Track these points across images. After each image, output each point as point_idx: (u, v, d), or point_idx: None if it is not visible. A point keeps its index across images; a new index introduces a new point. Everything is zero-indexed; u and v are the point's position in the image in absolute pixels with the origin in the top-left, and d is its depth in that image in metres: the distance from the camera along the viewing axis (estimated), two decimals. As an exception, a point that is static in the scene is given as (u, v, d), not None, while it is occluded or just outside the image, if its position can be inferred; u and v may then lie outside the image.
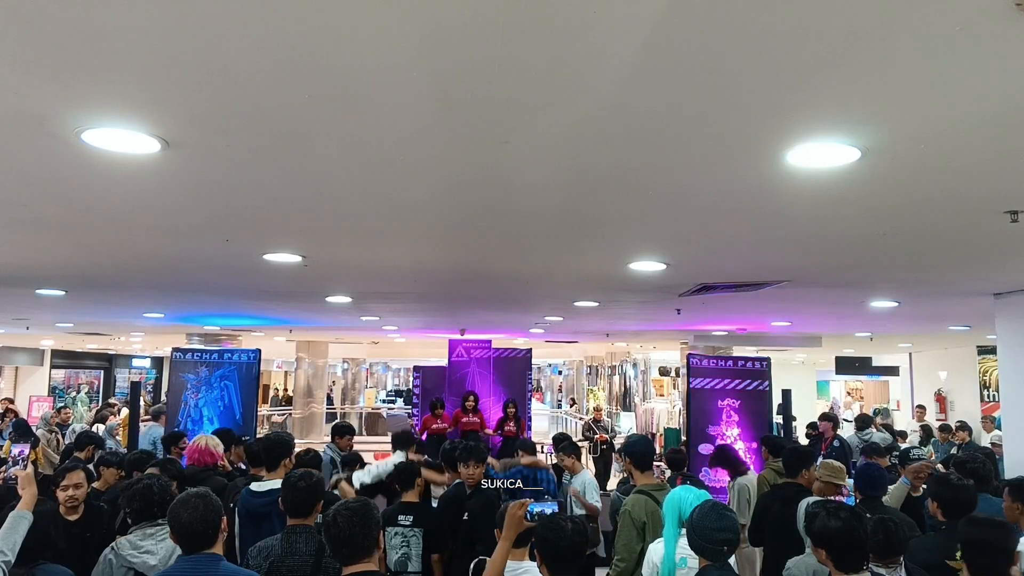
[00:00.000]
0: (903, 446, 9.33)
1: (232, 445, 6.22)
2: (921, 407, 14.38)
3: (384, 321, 11.79)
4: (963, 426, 11.19)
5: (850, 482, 6.77)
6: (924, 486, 5.12)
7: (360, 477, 5.34)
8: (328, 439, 7.64)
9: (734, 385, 10.14)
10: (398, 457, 5.68)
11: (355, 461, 6.00)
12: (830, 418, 10.16)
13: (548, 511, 3.12)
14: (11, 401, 15.19)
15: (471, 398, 10.54)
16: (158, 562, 3.22)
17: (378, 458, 6.85)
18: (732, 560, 3.13)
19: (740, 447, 8.99)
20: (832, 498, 4.22)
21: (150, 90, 2.27)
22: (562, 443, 6.48)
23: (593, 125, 2.55)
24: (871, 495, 4.41)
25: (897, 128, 2.52)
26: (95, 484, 5.18)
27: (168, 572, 2.91)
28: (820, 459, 5.35)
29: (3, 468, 8.09)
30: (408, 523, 4.41)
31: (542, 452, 9.32)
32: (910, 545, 3.35)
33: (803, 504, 4.04)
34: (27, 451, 8.42)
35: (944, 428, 11.76)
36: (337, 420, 12.28)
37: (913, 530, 3.74)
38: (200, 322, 12.04)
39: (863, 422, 10.66)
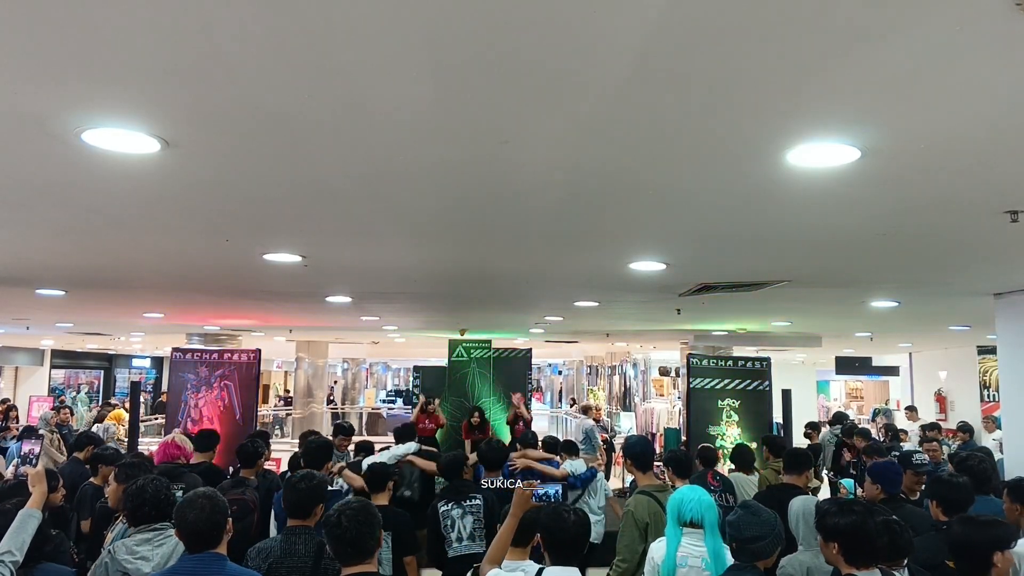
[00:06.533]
0: (905, 447, 9.33)
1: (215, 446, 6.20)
2: (912, 408, 14.37)
3: (384, 321, 11.79)
4: (964, 427, 11.13)
5: (847, 483, 6.76)
6: (923, 487, 5.12)
7: (379, 459, 5.36)
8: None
9: (734, 385, 10.15)
10: (414, 445, 5.83)
11: (368, 448, 6.02)
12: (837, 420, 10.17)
13: (552, 492, 3.47)
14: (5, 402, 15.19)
15: (476, 415, 10.74)
16: (152, 569, 3.19)
17: None
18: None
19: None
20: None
21: (150, 90, 2.27)
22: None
23: (593, 125, 2.55)
24: (891, 492, 4.36)
25: (897, 128, 2.52)
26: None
27: (173, 570, 2.91)
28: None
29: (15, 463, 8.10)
30: None
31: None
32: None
33: (794, 503, 4.02)
34: (37, 449, 8.43)
35: (934, 427, 11.71)
36: (338, 420, 12.28)
37: (915, 532, 3.74)
38: (200, 322, 12.04)
39: (836, 419, 10.70)
